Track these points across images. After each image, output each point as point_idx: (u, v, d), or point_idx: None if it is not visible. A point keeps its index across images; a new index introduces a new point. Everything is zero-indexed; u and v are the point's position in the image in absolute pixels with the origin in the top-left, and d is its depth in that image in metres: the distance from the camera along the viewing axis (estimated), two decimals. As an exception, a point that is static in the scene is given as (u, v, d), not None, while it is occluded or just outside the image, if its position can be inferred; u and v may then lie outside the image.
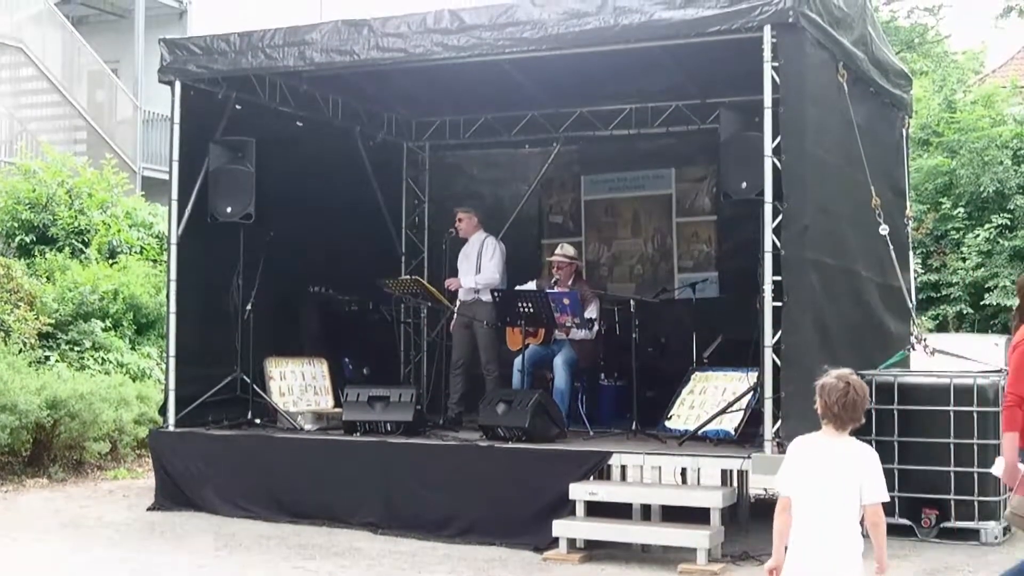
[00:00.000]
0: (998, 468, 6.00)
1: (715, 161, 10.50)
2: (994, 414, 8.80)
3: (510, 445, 9.20)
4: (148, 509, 10.19)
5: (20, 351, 12.82)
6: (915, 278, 12.93)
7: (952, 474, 8.82)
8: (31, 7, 22.67)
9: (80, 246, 16.35)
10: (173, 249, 10.46)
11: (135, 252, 16.78)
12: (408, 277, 12.03)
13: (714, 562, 7.99)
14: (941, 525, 8.85)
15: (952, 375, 9.01)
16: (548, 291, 10.55)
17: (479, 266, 11.18)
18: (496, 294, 10.61)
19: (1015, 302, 16.82)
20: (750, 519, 9.36)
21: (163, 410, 10.58)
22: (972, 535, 8.79)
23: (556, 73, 10.83)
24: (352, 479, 9.54)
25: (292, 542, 8.93)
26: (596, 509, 8.59)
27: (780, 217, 8.35)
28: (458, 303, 11.22)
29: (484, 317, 10.97)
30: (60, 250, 15.97)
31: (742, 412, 9.20)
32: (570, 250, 11.15)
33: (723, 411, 9.27)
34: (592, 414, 10.62)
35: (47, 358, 13.46)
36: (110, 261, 16.14)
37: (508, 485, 8.92)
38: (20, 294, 13.90)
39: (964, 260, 17.91)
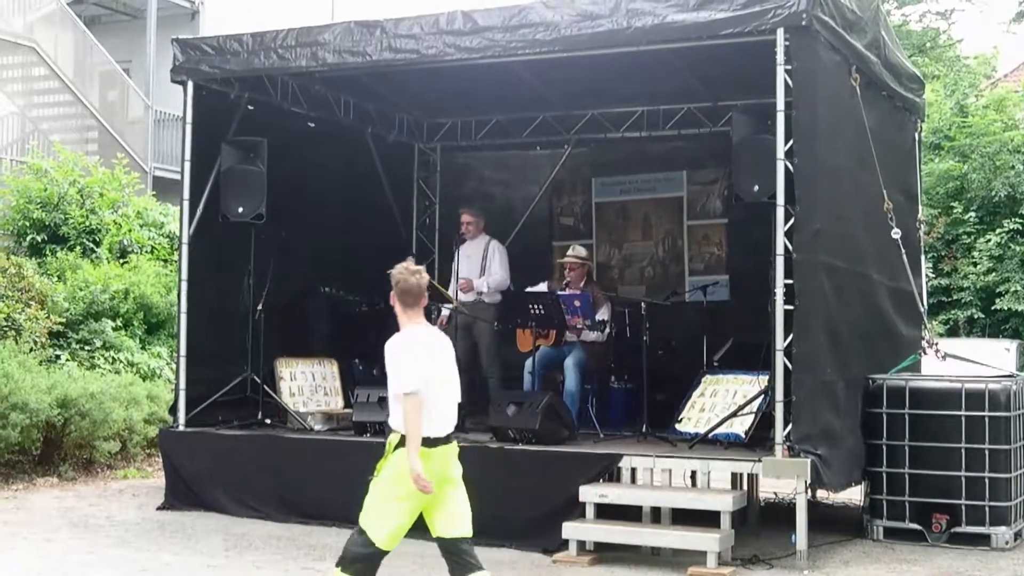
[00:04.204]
0: None
1: (727, 164, 10.48)
2: (1005, 419, 8.79)
3: (520, 447, 9.20)
4: (158, 509, 10.21)
5: (31, 350, 12.85)
6: (926, 282, 12.89)
7: (963, 479, 8.79)
8: (43, 7, 22.73)
9: (91, 245, 16.39)
10: (184, 249, 10.48)
11: (146, 252, 16.82)
12: (419, 279, 12.00)
13: (724, 565, 7.98)
14: (952, 530, 8.82)
15: (963, 380, 8.98)
16: (559, 293, 10.56)
17: (484, 268, 11.18)
18: (510, 289, 10.62)
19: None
20: (760, 522, 9.36)
21: (173, 410, 10.60)
22: (983, 540, 8.77)
23: (568, 75, 10.83)
24: (362, 480, 9.48)
25: (302, 542, 8.94)
26: (606, 512, 8.59)
27: (792, 220, 8.34)
28: (456, 303, 11.16)
29: (488, 319, 10.99)
30: (71, 249, 16.00)
31: (753, 415, 9.18)
32: (582, 251, 11.16)
33: (733, 414, 9.26)
34: (602, 416, 10.60)
35: (58, 357, 13.50)
36: (121, 261, 16.18)
37: (518, 487, 8.91)
38: (31, 293, 13.93)
39: (975, 264, 17.83)
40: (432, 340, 6.03)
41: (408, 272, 5.95)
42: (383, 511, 5.82)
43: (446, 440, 5.86)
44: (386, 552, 5.89)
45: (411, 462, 5.68)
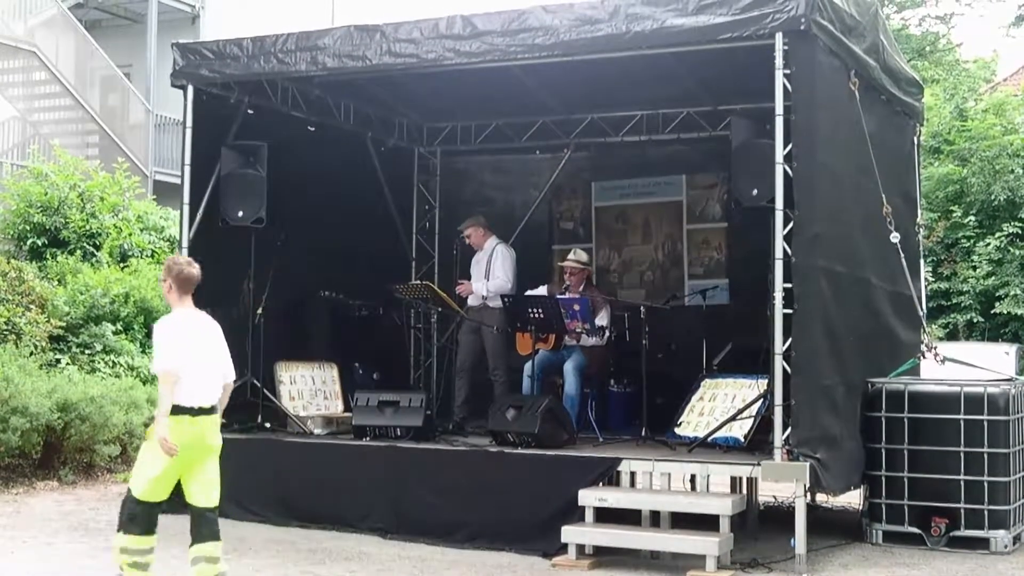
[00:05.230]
0: None
1: (726, 168, 10.49)
2: (1004, 423, 8.80)
3: (520, 451, 9.21)
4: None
5: (31, 354, 12.86)
6: (925, 286, 12.89)
7: (962, 483, 8.79)
8: (45, 11, 22.76)
9: (92, 249, 16.40)
10: (184, 253, 10.48)
11: (146, 256, 16.83)
12: (419, 282, 12.04)
13: (723, 569, 7.99)
14: (951, 534, 8.83)
15: (962, 384, 8.99)
16: (559, 297, 10.57)
17: (488, 272, 11.22)
18: (507, 299, 10.64)
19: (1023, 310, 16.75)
20: (759, 526, 9.36)
21: (173, 413, 10.59)
22: (982, 544, 8.77)
23: (567, 79, 10.84)
24: (361, 484, 9.55)
25: (301, 546, 8.95)
26: (605, 515, 8.59)
27: (791, 224, 8.34)
28: (466, 308, 11.27)
29: (493, 323, 11.02)
30: (72, 253, 16.02)
31: (752, 419, 9.19)
32: (583, 256, 11.18)
33: (733, 418, 9.27)
34: (602, 420, 10.61)
35: (58, 361, 13.51)
36: (121, 264, 16.20)
37: (517, 491, 8.92)
38: (31, 297, 13.95)
39: (975, 268, 17.86)
40: (194, 322, 6.85)
41: (187, 263, 6.88)
42: (143, 470, 6.73)
43: (209, 411, 6.75)
44: (153, 503, 6.74)
45: (158, 428, 6.57)
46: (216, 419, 6.87)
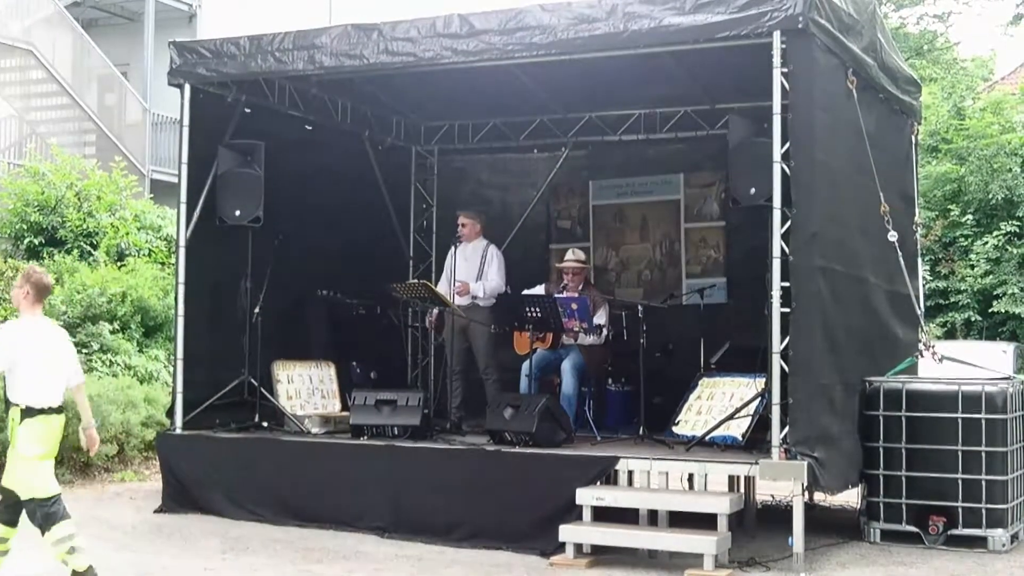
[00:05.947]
0: None
1: (724, 167, 10.50)
2: (1002, 421, 8.80)
3: (517, 450, 9.21)
4: (155, 512, 10.21)
5: (29, 353, 12.82)
6: (923, 285, 12.89)
7: (960, 481, 8.79)
8: (41, 10, 22.74)
9: (89, 248, 16.37)
10: (182, 252, 10.49)
11: (143, 255, 16.81)
12: (416, 281, 12.03)
13: (721, 568, 7.99)
14: (948, 532, 8.83)
15: (960, 382, 8.98)
16: (556, 296, 10.57)
17: (481, 272, 11.21)
18: (507, 292, 10.65)
19: (1021, 309, 16.73)
20: (757, 525, 9.36)
21: (170, 413, 10.61)
22: (980, 542, 8.78)
23: (565, 78, 10.84)
24: (359, 483, 9.55)
25: (299, 545, 8.95)
26: (603, 514, 8.59)
27: (789, 223, 8.34)
28: (452, 307, 11.20)
29: (483, 322, 11.02)
30: (68, 252, 15.99)
31: (750, 418, 9.19)
32: (581, 255, 11.19)
33: (730, 417, 9.27)
34: (599, 419, 10.61)
35: (55, 360, 13.45)
36: (118, 264, 16.16)
37: (515, 490, 8.92)
38: (29, 296, 13.90)
39: (972, 267, 17.84)
40: (38, 330, 7.23)
41: (43, 273, 7.32)
42: (36, 474, 7.06)
43: (59, 410, 7.22)
44: (58, 494, 7.16)
45: None
46: (64, 419, 7.33)
